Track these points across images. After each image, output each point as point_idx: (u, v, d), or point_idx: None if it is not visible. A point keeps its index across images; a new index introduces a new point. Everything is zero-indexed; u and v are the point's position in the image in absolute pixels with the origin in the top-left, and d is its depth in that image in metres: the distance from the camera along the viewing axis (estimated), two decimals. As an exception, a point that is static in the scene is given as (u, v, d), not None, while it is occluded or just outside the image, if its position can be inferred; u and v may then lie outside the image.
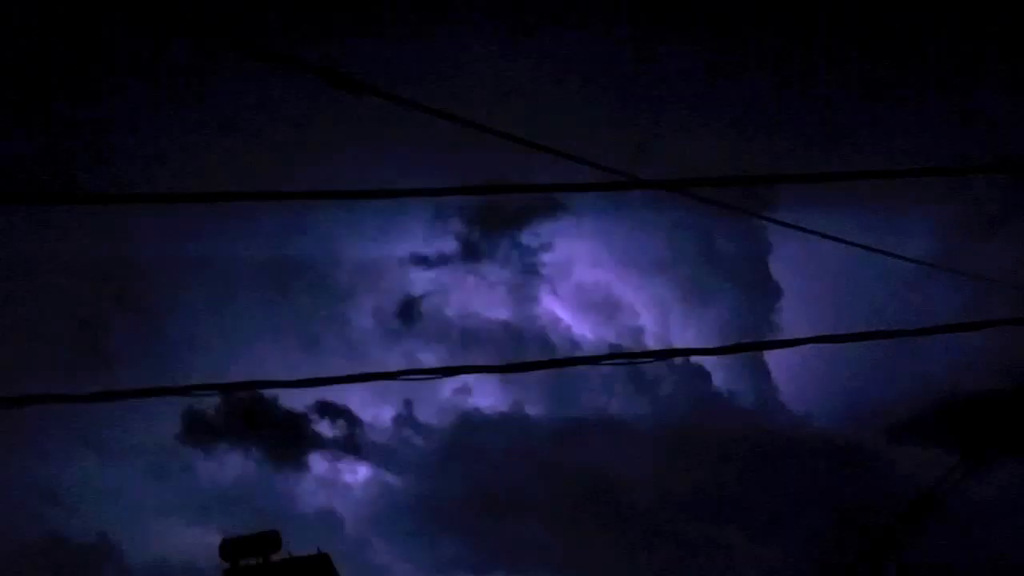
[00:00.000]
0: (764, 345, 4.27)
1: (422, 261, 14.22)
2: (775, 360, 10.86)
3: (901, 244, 4.57)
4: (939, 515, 4.79)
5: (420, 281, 14.23)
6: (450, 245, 14.02)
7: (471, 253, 14.46)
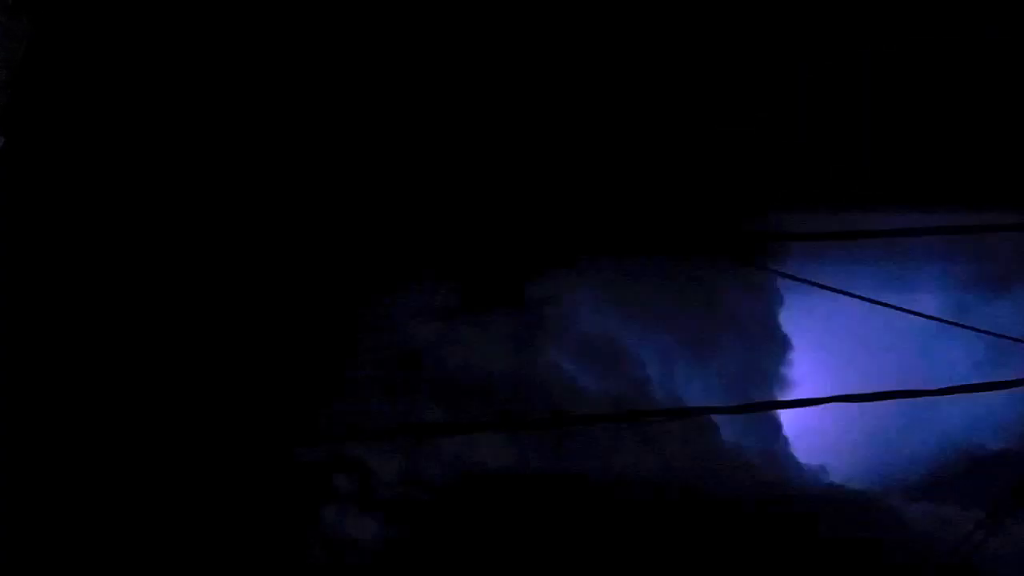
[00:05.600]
0: (780, 404, 4.27)
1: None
2: (786, 413, 10.70)
3: (914, 300, 4.52)
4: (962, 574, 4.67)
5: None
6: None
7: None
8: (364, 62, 4.15)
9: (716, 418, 11.55)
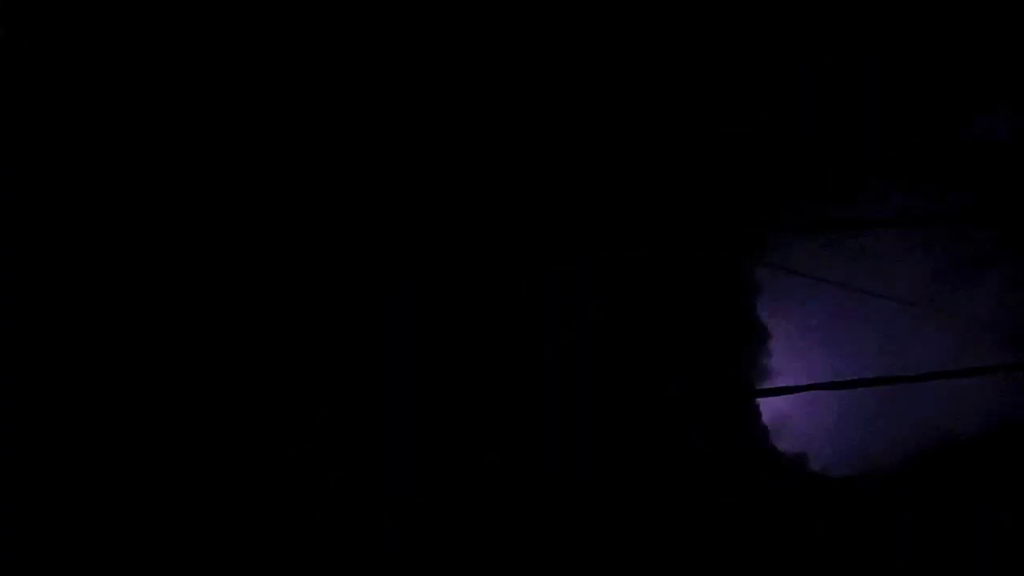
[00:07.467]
0: (759, 392, 4.45)
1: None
2: (765, 402, 10.93)
3: (891, 288, 4.71)
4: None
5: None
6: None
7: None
8: (363, 61, 4.22)
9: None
